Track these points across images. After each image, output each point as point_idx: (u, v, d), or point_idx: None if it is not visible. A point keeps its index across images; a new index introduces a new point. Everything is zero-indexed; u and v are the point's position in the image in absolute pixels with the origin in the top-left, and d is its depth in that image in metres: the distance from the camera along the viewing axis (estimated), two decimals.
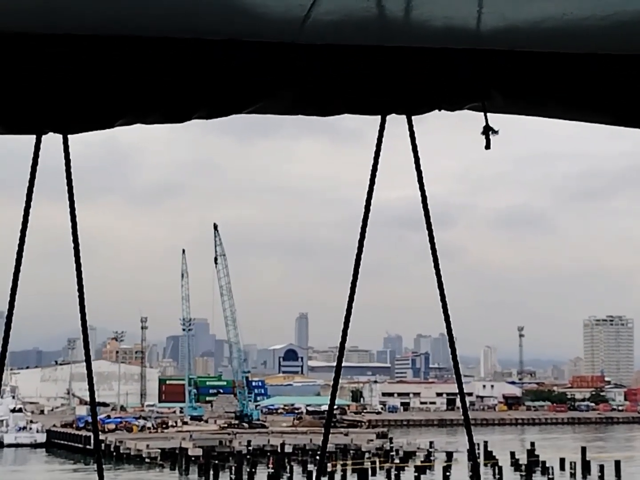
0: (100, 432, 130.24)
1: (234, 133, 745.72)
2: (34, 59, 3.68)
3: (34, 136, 3.97)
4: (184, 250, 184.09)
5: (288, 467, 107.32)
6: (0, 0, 3.50)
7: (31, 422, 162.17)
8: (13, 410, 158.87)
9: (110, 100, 3.81)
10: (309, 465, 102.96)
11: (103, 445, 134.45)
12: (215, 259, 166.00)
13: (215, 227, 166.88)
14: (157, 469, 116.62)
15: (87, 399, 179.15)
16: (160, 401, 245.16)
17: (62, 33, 3.67)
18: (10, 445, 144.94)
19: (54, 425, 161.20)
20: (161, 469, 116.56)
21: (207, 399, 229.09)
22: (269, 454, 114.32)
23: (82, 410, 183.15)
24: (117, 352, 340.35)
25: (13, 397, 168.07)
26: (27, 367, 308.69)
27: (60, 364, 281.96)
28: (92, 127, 3.90)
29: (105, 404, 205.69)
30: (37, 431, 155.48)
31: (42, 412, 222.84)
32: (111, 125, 3.90)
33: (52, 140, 4.06)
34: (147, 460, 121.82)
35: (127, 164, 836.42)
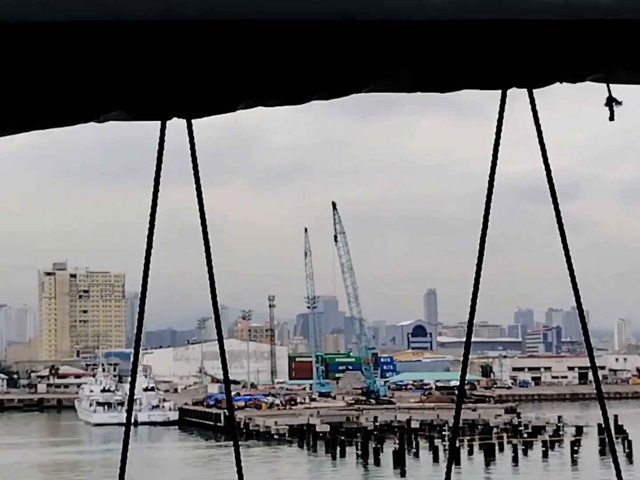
0: None
1: (356, 112, 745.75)
2: (159, 46, 3.73)
3: (160, 122, 4.01)
4: (306, 229, 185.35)
5: (414, 442, 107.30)
6: None
7: (164, 400, 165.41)
8: (145, 389, 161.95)
9: (231, 84, 3.86)
10: (435, 441, 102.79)
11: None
12: (335, 237, 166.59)
13: (334, 205, 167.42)
14: (285, 445, 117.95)
15: (219, 377, 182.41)
16: (290, 378, 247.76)
17: (184, 19, 3.69)
18: (143, 423, 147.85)
19: (186, 404, 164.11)
20: (289, 445, 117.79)
21: (336, 375, 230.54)
22: (395, 429, 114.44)
23: (214, 388, 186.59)
24: (248, 330, 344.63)
25: (145, 376, 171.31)
26: (161, 347, 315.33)
27: (192, 343, 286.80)
28: (215, 111, 3.96)
29: (236, 382, 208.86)
30: (170, 409, 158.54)
31: (175, 390, 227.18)
32: (233, 109, 3.95)
33: (177, 125, 4.12)
34: (275, 436, 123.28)
35: (252, 145, 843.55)
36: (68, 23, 3.60)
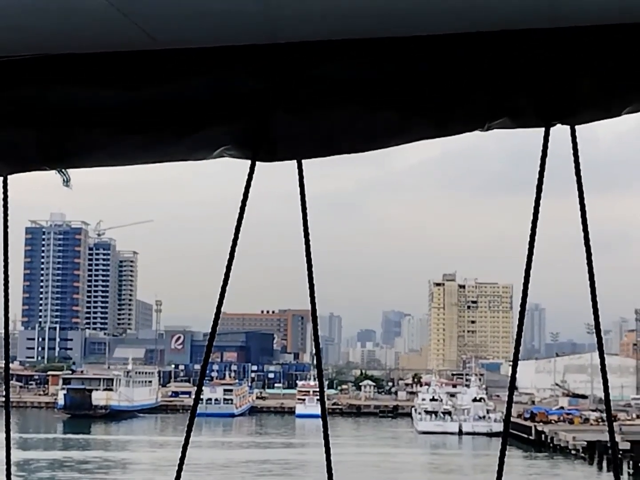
0: (541, 423, 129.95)
1: None
2: (540, 52, 3.76)
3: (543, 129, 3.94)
4: None
5: None
6: None
7: (493, 411, 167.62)
8: (474, 400, 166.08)
9: (612, 90, 3.74)
10: None
11: (542, 435, 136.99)
12: None
13: None
14: (574, 460, 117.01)
15: (577, 391, 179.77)
16: None
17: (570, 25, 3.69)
18: (467, 433, 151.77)
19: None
20: (583, 462, 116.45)
21: None
22: None
23: (564, 402, 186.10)
24: (634, 344, 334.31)
25: (479, 387, 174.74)
26: (529, 359, 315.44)
27: (559, 356, 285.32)
28: (599, 117, 3.85)
29: (583, 396, 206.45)
30: (495, 420, 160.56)
31: (533, 402, 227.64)
32: (618, 114, 3.81)
33: (557, 132, 4.01)
34: (573, 452, 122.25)
35: None
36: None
